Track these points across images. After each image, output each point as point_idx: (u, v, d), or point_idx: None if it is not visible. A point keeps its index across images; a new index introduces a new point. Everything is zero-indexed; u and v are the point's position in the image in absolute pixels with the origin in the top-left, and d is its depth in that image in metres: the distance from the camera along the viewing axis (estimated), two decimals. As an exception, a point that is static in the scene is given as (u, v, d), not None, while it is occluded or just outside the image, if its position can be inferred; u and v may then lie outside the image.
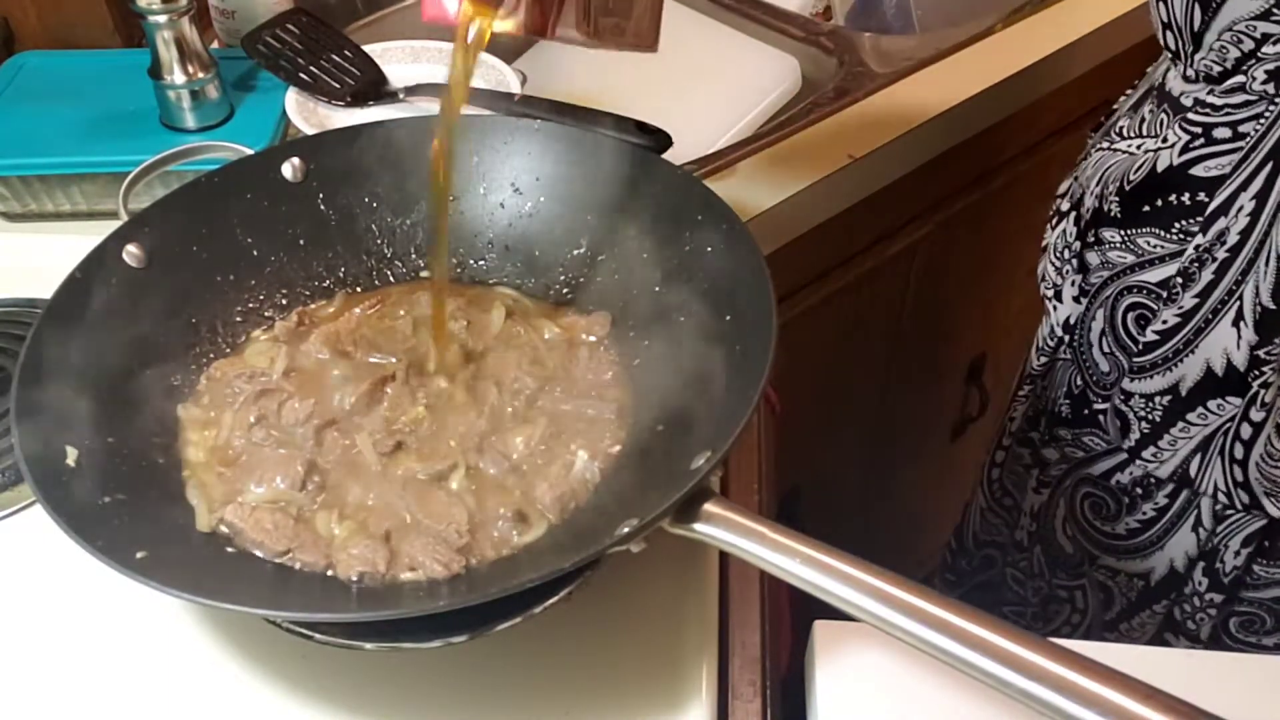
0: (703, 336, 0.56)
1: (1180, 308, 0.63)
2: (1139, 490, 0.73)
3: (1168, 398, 0.66)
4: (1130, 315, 0.66)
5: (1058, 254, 0.74)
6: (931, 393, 1.22)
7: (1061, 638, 0.82)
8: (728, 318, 0.55)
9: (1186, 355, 0.64)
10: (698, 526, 0.45)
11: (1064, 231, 0.73)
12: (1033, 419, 0.82)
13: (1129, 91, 0.79)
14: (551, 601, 0.48)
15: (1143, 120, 0.68)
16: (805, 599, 0.43)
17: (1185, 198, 0.62)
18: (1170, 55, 0.65)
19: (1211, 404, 0.65)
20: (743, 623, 0.54)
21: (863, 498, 1.23)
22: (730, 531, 0.44)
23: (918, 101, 0.90)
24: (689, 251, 0.58)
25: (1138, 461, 0.70)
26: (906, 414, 1.20)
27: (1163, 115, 0.65)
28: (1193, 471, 0.68)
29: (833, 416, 1.08)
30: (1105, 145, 0.71)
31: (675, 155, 0.74)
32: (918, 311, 1.08)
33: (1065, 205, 0.76)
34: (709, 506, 0.45)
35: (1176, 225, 0.63)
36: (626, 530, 0.44)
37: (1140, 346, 0.66)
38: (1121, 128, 0.70)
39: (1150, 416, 0.67)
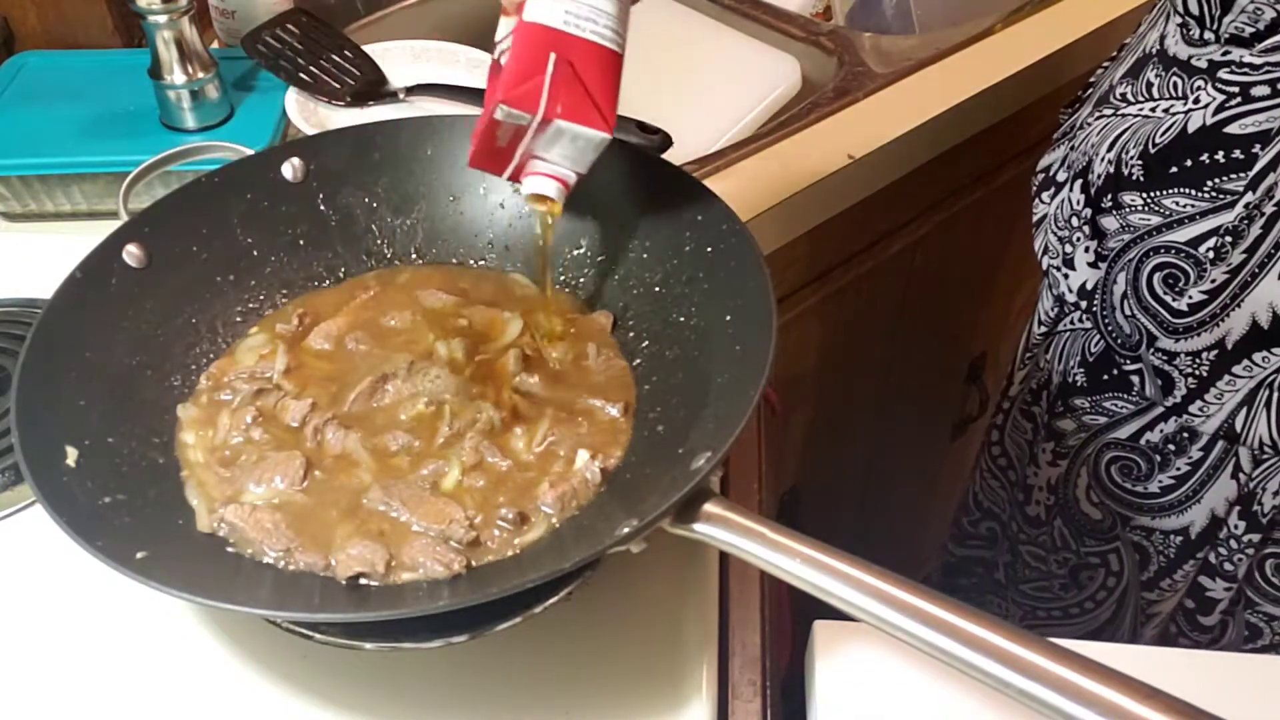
0: (703, 336, 0.56)
1: (1229, 265, 0.64)
2: (1171, 447, 0.73)
3: (1214, 352, 0.67)
4: (1157, 276, 0.67)
5: (1062, 223, 0.74)
6: (931, 392, 1.22)
7: (1096, 601, 0.82)
8: (728, 318, 0.55)
9: (1233, 310, 0.65)
10: (698, 527, 0.45)
11: (1066, 200, 0.74)
12: (1035, 392, 0.82)
13: (1105, 65, 0.79)
14: (552, 601, 0.48)
15: (1149, 84, 0.68)
16: (805, 599, 0.43)
17: (1220, 155, 0.63)
18: (1180, 21, 0.65)
19: (1257, 356, 0.66)
20: (743, 623, 0.54)
21: (863, 498, 1.23)
22: (730, 532, 0.44)
23: (918, 101, 0.90)
24: (689, 251, 0.58)
25: (1184, 417, 0.70)
26: (906, 414, 1.20)
27: (1175, 78, 0.65)
28: (1238, 425, 0.69)
29: (833, 416, 1.08)
30: (1108, 113, 0.71)
31: (675, 155, 0.74)
32: (918, 312, 1.08)
33: (1061, 175, 0.76)
34: (709, 507, 0.45)
35: (1210, 183, 0.63)
36: (627, 530, 0.44)
37: (1185, 306, 0.66)
38: (1123, 94, 0.71)
39: (1197, 372, 0.68)
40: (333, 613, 0.48)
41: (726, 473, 0.60)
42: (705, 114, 0.93)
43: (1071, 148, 0.76)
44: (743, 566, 0.54)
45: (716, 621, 0.53)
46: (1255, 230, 0.62)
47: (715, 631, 0.53)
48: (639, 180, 0.61)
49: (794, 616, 0.62)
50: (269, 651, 0.51)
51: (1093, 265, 0.71)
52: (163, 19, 0.74)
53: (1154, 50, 0.69)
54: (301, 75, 0.82)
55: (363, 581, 0.48)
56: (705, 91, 0.95)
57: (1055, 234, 0.75)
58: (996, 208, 1.06)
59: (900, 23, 1.13)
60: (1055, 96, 0.97)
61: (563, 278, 0.63)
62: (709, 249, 0.57)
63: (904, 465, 1.26)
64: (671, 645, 0.52)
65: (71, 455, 0.50)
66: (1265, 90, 0.61)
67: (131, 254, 0.57)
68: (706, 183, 0.60)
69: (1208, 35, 0.64)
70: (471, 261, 0.64)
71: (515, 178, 0.54)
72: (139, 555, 0.45)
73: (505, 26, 0.52)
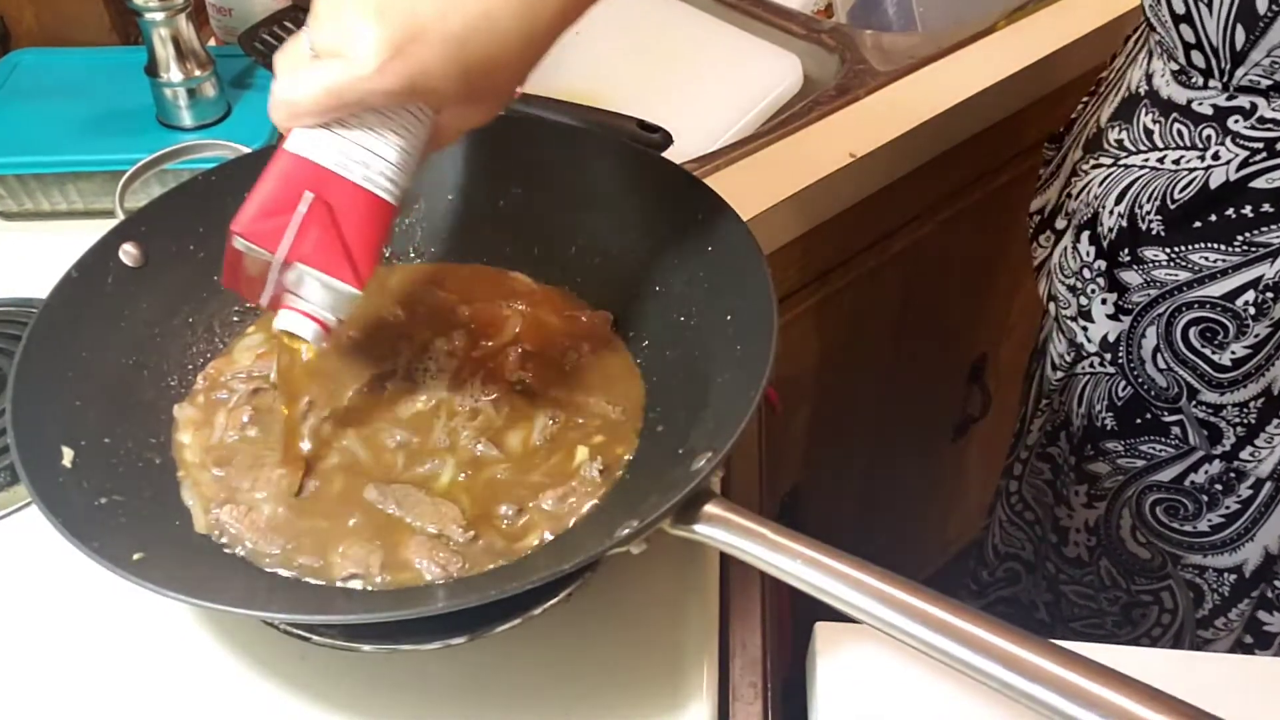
0: (703, 336, 0.56)
1: (1272, 319, 0.63)
2: (1218, 487, 0.72)
3: (1261, 400, 0.66)
4: (1193, 331, 0.65)
5: (1070, 274, 0.72)
6: (932, 392, 1.22)
7: (1152, 638, 0.81)
8: (728, 318, 0.54)
9: (1278, 359, 0.64)
10: (698, 528, 0.44)
11: (1073, 251, 0.72)
12: (1052, 434, 0.81)
13: (1085, 100, 0.77)
14: (551, 603, 0.48)
15: (1148, 131, 0.66)
16: (806, 600, 0.43)
17: (1248, 210, 0.62)
18: (1177, 68, 0.64)
19: None
20: (743, 623, 0.54)
21: (863, 498, 1.23)
22: (731, 533, 0.44)
23: (919, 100, 0.89)
24: (689, 251, 0.58)
25: (1235, 463, 0.69)
26: (907, 414, 1.20)
27: (1179, 125, 0.64)
28: None
29: (833, 416, 1.07)
30: (1106, 162, 0.70)
31: (675, 154, 0.74)
32: (918, 311, 1.08)
33: (1060, 223, 0.75)
34: (709, 508, 0.45)
35: (1240, 237, 0.62)
36: (627, 531, 0.44)
37: (1228, 361, 0.65)
38: (1118, 140, 0.69)
39: (1245, 421, 0.67)
40: (329, 614, 0.48)
41: (727, 473, 0.60)
42: (705, 112, 0.93)
43: (1069, 195, 0.74)
44: (743, 567, 0.53)
45: (717, 622, 0.53)
46: None
47: (715, 632, 0.52)
48: (639, 179, 0.61)
49: (795, 617, 0.62)
50: (268, 653, 0.51)
51: (1113, 318, 0.69)
52: (159, 16, 0.74)
53: (1142, 90, 0.67)
54: (300, 73, 0.81)
55: (357, 585, 0.48)
56: (706, 90, 0.95)
57: (1063, 283, 0.73)
58: (997, 208, 1.06)
59: (902, 20, 1.12)
60: (1057, 95, 0.97)
61: (563, 277, 0.63)
62: (709, 248, 0.57)
63: (905, 465, 1.26)
64: (671, 646, 0.52)
65: (68, 456, 0.49)
66: None
67: (128, 253, 0.57)
68: (706, 181, 0.59)
69: (1212, 83, 0.62)
70: (470, 260, 0.64)
71: (273, 307, 0.48)
72: (136, 556, 0.45)
73: None
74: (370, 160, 0.44)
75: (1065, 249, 0.73)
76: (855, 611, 0.42)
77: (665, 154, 0.73)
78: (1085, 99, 0.78)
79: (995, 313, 1.21)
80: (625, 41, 1.00)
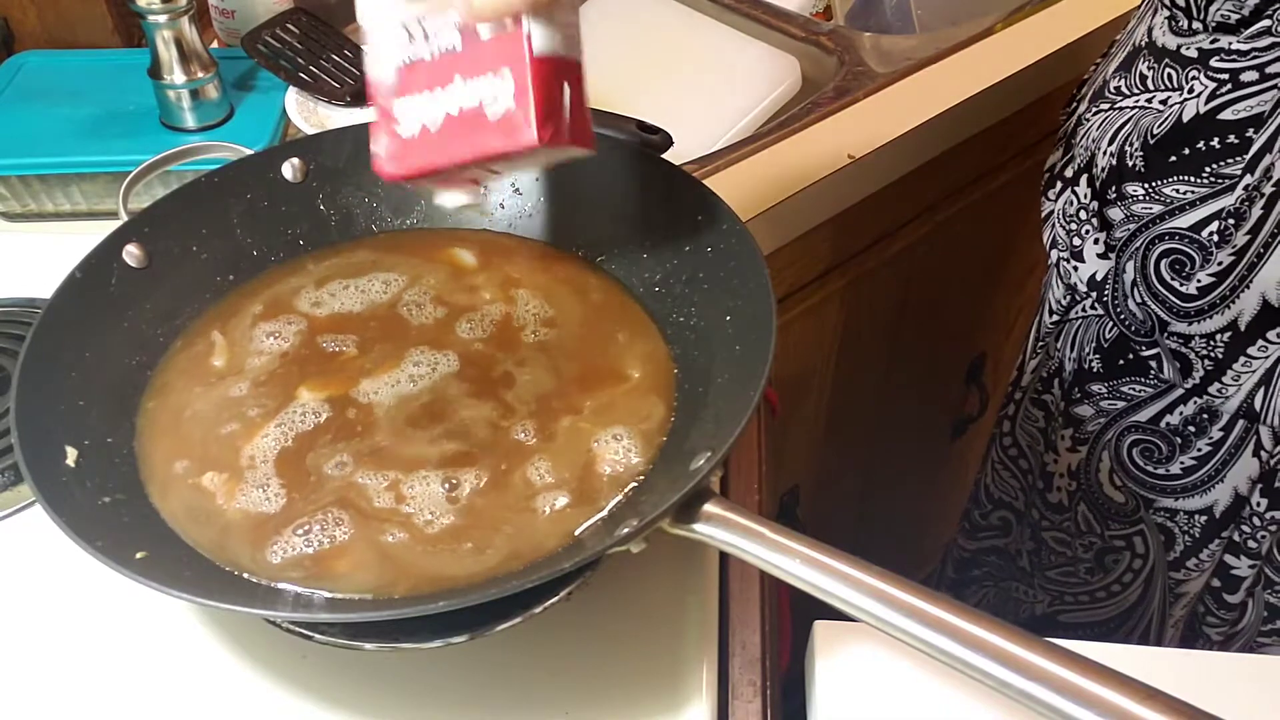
0: (703, 336, 0.56)
1: (1233, 247, 0.65)
2: (1191, 428, 0.74)
3: (1228, 334, 0.68)
4: (1164, 263, 0.68)
5: (1069, 218, 0.75)
6: (931, 392, 1.22)
7: (1123, 584, 0.83)
8: (728, 318, 0.55)
9: (1242, 291, 0.66)
10: (697, 527, 0.45)
11: (1074, 195, 0.75)
12: (1046, 380, 0.82)
13: (1098, 61, 0.80)
14: (552, 601, 0.48)
15: (1142, 76, 0.70)
16: (805, 599, 0.43)
17: (1215, 142, 0.65)
18: (1169, 13, 0.67)
19: (1271, 334, 0.67)
20: (743, 623, 0.54)
21: (863, 498, 1.23)
22: (730, 532, 0.44)
23: (918, 101, 0.90)
24: (688, 252, 0.58)
25: (1204, 398, 0.71)
26: (906, 414, 1.20)
27: (1169, 70, 0.67)
28: (1258, 404, 0.70)
29: (833, 416, 1.08)
30: (1105, 108, 0.73)
31: (675, 155, 0.74)
32: (918, 311, 1.08)
33: (1070, 172, 0.77)
34: (709, 507, 0.45)
35: (1208, 169, 0.65)
36: (627, 530, 0.44)
37: (1194, 290, 0.68)
38: (1117, 87, 0.72)
39: (1213, 354, 0.69)
40: (332, 613, 0.48)
41: (726, 473, 0.60)
42: (705, 114, 0.93)
43: (1073, 144, 0.76)
44: (743, 566, 0.54)
45: (716, 621, 0.53)
46: (1256, 211, 0.64)
47: (715, 631, 0.53)
48: (639, 180, 0.61)
49: (794, 617, 0.62)
50: (269, 651, 0.51)
51: (1102, 256, 0.72)
52: (162, 19, 0.74)
53: (1143, 43, 0.71)
54: (301, 75, 0.82)
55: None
56: (705, 91, 0.95)
57: (1063, 227, 0.76)
58: (997, 208, 1.06)
59: (900, 22, 1.13)
60: (1055, 96, 0.97)
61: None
62: (709, 249, 0.57)
63: (904, 465, 1.26)
64: (671, 645, 0.52)
65: (71, 455, 0.50)
66: (1254, 75, 0.63)
67: (131, 254, 0.57)
68: (706, 182, 0.60)
69: (1195, 25, 0.65)
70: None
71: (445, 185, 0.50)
72: (139, 555, 0.45)
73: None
74: (572, 33, 0.46)
75: (1069, 195, 0.76)
76: (854, 610, 0.42)
77: (665, 155, 0.73)
78: (1099, 60, 0.80)
79: (994, 313, 1.22)
80: (625, 43, 1.00)
